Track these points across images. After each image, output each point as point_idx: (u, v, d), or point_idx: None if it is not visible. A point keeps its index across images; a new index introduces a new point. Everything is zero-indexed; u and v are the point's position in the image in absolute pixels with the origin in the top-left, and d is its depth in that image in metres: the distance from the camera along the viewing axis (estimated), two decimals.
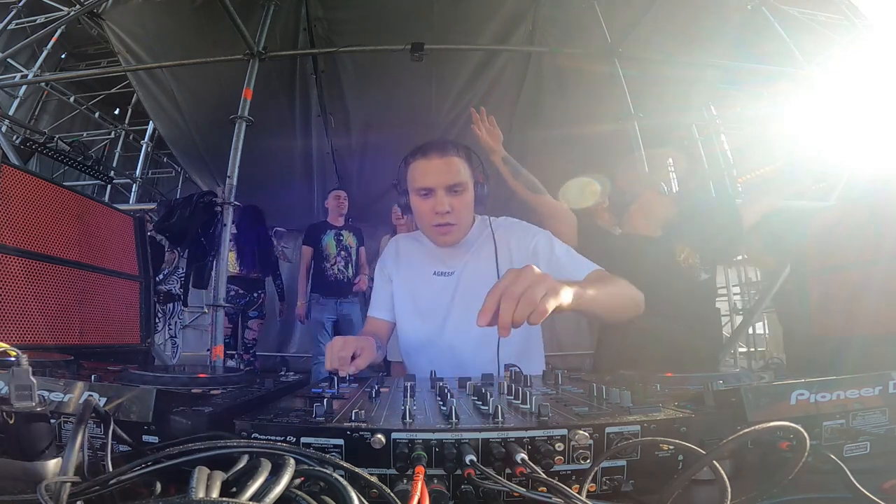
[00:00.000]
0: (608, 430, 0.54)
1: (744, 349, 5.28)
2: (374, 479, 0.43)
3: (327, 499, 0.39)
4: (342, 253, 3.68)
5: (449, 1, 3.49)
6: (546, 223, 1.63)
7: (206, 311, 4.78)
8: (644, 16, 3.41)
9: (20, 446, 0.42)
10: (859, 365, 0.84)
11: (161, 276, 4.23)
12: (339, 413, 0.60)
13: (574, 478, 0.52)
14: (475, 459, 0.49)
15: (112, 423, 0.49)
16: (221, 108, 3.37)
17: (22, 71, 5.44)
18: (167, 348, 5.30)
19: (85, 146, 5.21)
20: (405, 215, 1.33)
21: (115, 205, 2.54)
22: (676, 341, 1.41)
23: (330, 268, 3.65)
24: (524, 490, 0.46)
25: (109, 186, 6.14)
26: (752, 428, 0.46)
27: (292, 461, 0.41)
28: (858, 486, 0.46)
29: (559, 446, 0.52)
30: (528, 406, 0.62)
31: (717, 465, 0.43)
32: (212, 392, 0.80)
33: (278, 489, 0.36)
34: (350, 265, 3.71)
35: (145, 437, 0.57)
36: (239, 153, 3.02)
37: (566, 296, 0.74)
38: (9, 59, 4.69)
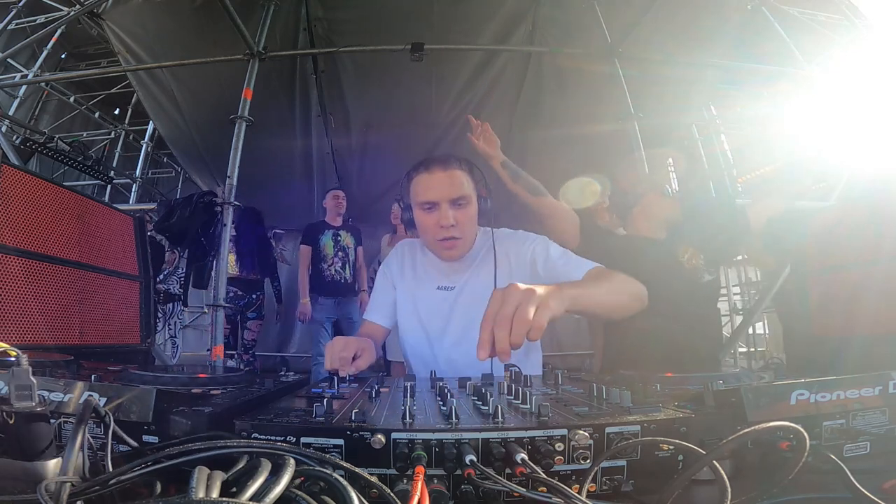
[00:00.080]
0: (608, 430, 0.54)
1: (744, 349, 5.28)
2: (374, 479, 0.43)
3: (327, 499, 0.39)
4: (339, 253, 3.68)
5: (449, 1, 3.48)
6: (548, 224, 1.63)
7: (207, 311, 4.79)
8: (644, 16, 3.41)
9: (20, 446, 0.42)
10: (859, 365, 0.84)
11: (161, 277, 4.23)
12: (339, 413, 0.60)
13: (574, 478, 0.52)
14: (475, 459, 0.49)
15: (112, 423, 0.49)
16: (221, 108, 3.37)
17: (22, 71, 5.43)
18: (167, 348, 5.30)
19: (85, 146, 5.21)
20: (408, 231, 1.33)
21: (115, 205, 2.54)
22: (676, 341, 1.41)
23: (327, 268, 3.64)
24: (524, 490, 0.46)
25: (109, 186, 6.14)
26: (752, 428, 0.46)
27: (292, 461, 0.41)
28: (858, 486, 0.46)
29: (559, 446, 0.52)
30: (528, 406, 0.62)
31: (717, 465, 0.43)
32: (212, 392, 0.80)
33: (278, 489, 0.36)
34: (348, 265, 3.70)
35: (145, 437, 0.57)
36: (239, 153, 3.02)
37: (558, 303, 0.73)
38: (9, 59, 4.69)
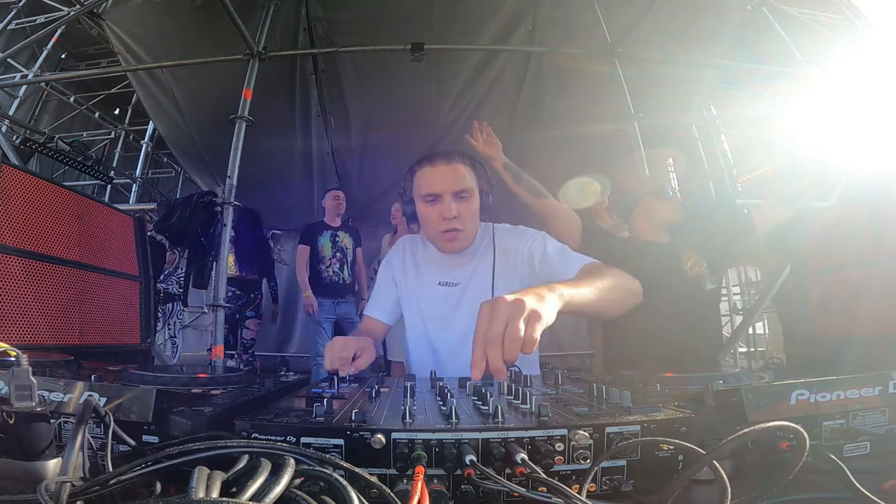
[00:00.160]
0: (608, 430, 0.54)
1: (744, 349, 5.28)
2: (374, 479, 0.43)
3: (327, 499, 0.39)
4: (338, 254, 3.67)
5: (449, 1, 3.48)
6: (549, 225, 1.63)
7: (207, 311, 4.79)
8: (644, 16, 3.40)
9: (20, 446, 0.42)
10: (859, 365, 0.84)
11: (161, 277, 4.24)
12: (339, 413, 0.60)
13: (574, 478, 0.52)
14: (475, 459, 0.49)
15: (112, 423, 0.49)
16: (221, 108, 3.37)
17: (22, 71, 5.43)
18: (167, 348, 5.30)
19: (85, 146, 5.21)
20: (410, 225, 1.33)
21: (115, 205, 2.54)
22: (676, 341, 1.41)
23: (325, 269, 3.64)
24: (524, 490, 0.46)
25: (109, 186, 6.14)
26: (752, 428, 0.46)
27: (292, 461, 0.41)
28: (858, 486, 0.46)
29: (559, 446, 0.52)
30: (528, 406, 0.62)
31: (717, 465, 0.43)
32: (212, 392, 0.80)
33: (278, 489, 0.36)
34: (346, 266, 3.70)
35: (145, 437, 0.57)
36: (239, 153, 3.02)
37: (550, 311, 0.70)
38: (9, 59, 4.69)
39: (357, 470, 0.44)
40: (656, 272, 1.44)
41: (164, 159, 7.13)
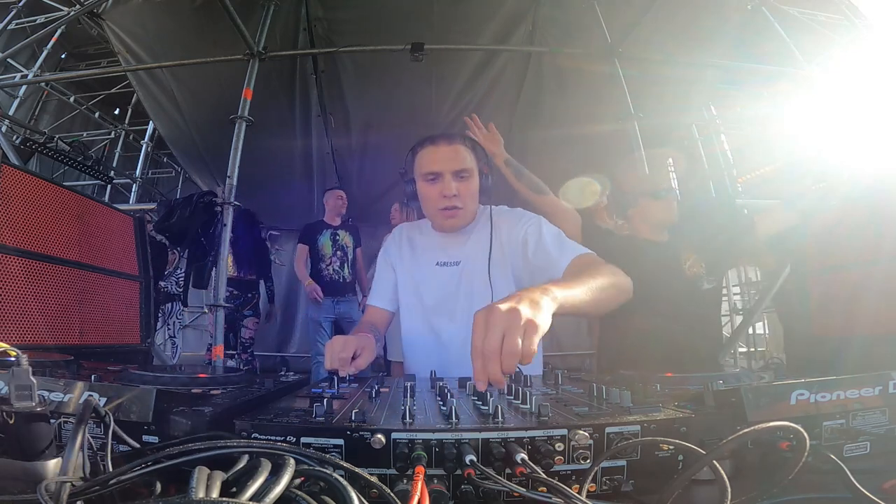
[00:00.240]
0: (608, 430, 0.54)
1: (744, 349, 5.28)
2: (374, 479, 0.43)
3: (327, 499, 0.39)
4: (338, 253, 3.68)
5: (449, 1, 3.48)
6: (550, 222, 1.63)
7: (207, 311, 4.79)
8: (644, 16, 3.40)
9: (20, 446, 0.42)
10: (859, 365, 0.84)
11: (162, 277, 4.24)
12: (339, 413, 0.60)
13: (574, 478, 0.52)
14: (475, 459, 0.49)
15: (112, 423, 0.49)
16: (221, 108, 3.37)
17: (22, 71, 5.43)
18: (167, 348, 5.30)
19: (85, 146, 5.21)
20: (410, 204, 1.34)
21: (115, 205, 2.54)
22: (676, 341, 1.41)
23: (326, 268, 3.64)
24: (524, 490, 0.46)
25: (109, 186, 6.14)
26: (752, 428, 0.46)
27: (292, 461, 0.41)
28: (858, 486, 0.46)
29: (559, 446, 0.52)
30: (528, 406, 0.62)
31: (717, 465, 0.43)
32: (212, 392, 0.80)
33: (278, 489, 0.36)
34: (346, 265, 3.70)
35: (145, 437, 0.57)
36: (239, 153, 3.02)
37: (546, 319, 0.69)
38: (9, 59, 4.69)
39: (357, 470, 0.44)
40: (656, 272, 1.44)
41: (164, 159, 7.13)
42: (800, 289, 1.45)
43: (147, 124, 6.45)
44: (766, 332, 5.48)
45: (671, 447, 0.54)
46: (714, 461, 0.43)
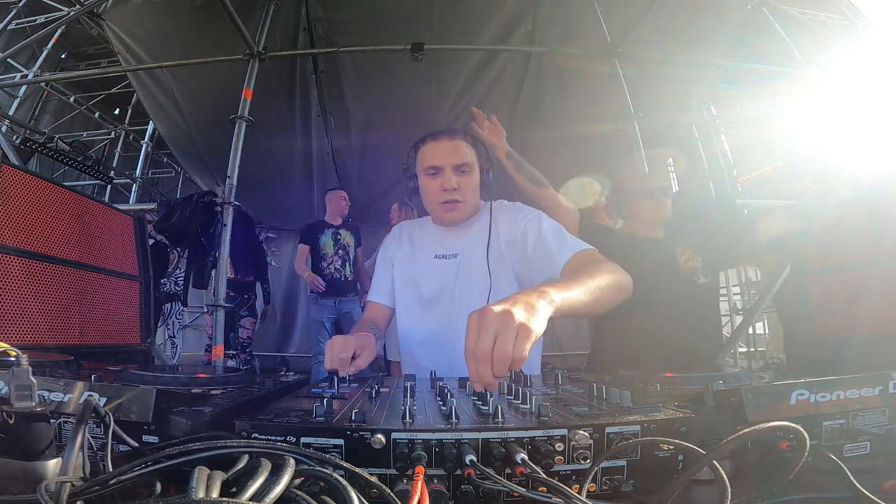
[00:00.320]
0: (608, 430, 0.54)
1: (744, 349, 5.28)
2: (374, 479, 0.43)
3: (327, 499, 0.39)
4: (340, 252, 3.68)
5: (449, 1, 3.48)
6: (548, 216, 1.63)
7: (207, 311, 4.79)
8: (644, 16, 3.40)
9: (20, 446, 0.42)
10: (859, 365, 0.84)
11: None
12: (339, 413, 0.60)
13: (574, 478, 0.52)
14: (475, 459, 0.49)
15: (112, 423, 0.49)
16: (221, 108, 3.37)
17: (22, 71, 5.43)
18: (167, 348, 5.30)
19: (85, 146, 5.21)
20: (413, 199, 1.35)
21: (115, 205, 2.54)
22: (676, 341, 1.41)
23: (327, 267, 3.65)
24: (524, 490, 0.46)
25: (109, 186, 6.14)
26: (752, 428, 0.46)
27: (292, 461, 0.41)
28: (858, 486, 0.46)
29: (559, 446, 0.52)
30: (528, 406, 0.62)
31: (717, 465, 0.43)
32: (212, 392, 0.80)
33: (278, 489, 0.36)
34: (348, 264, 3.71)
35: (145, 437, 0.57)
36: (239, 153, 3.02)
37: (540, 323, 0.68)
38: (9, 59, 4.69)
39: (357, 470, 0.44)
40: (656, 271, 1.44)
41: (164, 159, 7.13)
42: (800, 289, 1.45)
43: (147, 124, 6.44)
44: (766, 332, 5.48)
45: (671, 447, 0.54)
46: (714, 461, 0.43)
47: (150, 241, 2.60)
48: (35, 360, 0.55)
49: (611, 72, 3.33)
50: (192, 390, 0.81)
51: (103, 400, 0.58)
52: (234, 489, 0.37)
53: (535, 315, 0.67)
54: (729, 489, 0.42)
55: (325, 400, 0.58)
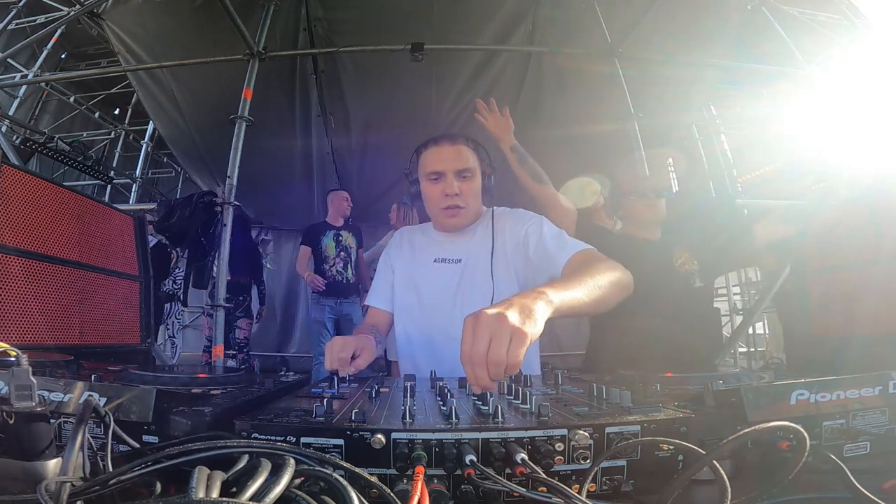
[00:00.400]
0: (608, 430, 0.54)
1: (744, 349, 5.28)
2: (374, 479, 0.43)
3: (327, 499, 0.39)
4: (342, 253, 3.68)
5: (449, 1, 3.48)
6: (546, 214, 1.63)
7: (204, 312, 4.80)
8: (644, 16, 3.40)
9: (20, 446, 0.42)
10: (859, 365, 0.84)
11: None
12: (339, 413, 0.60)
13: (574, 478, 0.52)
14: (475, 459, 0.49)
15: (112, 423, 0.49)
16: (221, 108, 3.37)
17: (22, 71, 5.43)
18: (167, 348, 5.30)
19: (85, 146, 5.22)
20: (415, 204, 1.36)
21: (115, 205, 2.54)
22: (676, 341, 1.41)
23: (329, 269, 3.64)
24: (524, 490, 0.46)
25: (109, 186, 6.14)
26: (752, 428, 0.46)
27: (292, 461, 0.41)
28: (858, 486, 0.46)
29: (559, 446, 0.52)
30: (528, 406, 0.62)
31: (717, 465, 0.43)
32: (212, 392, 0.80)
33: (278, 489, 0.36)
34: (349, 265, 3.70)
35: (145, 437, 0.57)
36: (239, 153, 3.02)
37: (537, 327, 0.67)
38: (9, 59, 4.69)
39: (357, 470, 0.44)
40: (655, 272, 1.44)
41: (164, 159, 7.13)
42: (800, 289, 1.45)
43: (147, 124, 6.44)
44: (766, 332, 5.49)
45: (671, 447, 0.54)
46: (714, 461, 0.43)
47: (151, 242, 2.60)
48: (35, 360, 0.55)
49: (611, 72, 3.33)
50: (192, 390, 0.81)
51: (103, 400, 0.58)
52: (234, 489, 0.37)
53: (531, 318, 0.66)
54: (729, 489, 0.42)
55: (325, 400, 0.58)
